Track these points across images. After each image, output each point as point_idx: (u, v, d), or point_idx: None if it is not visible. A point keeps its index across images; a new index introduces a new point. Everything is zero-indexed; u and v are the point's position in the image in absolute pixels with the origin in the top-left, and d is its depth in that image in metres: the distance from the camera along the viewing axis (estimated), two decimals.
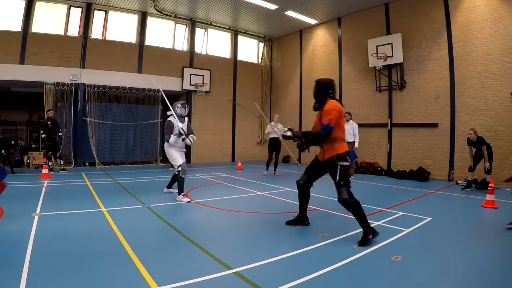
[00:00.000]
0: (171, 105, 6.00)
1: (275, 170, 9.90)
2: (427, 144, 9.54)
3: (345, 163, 3.77)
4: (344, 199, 3.72)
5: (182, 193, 5.82)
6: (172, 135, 5.69)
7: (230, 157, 14.28)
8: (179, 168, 5.76)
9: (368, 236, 3.66)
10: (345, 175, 3.77)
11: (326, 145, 3.87)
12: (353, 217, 4.30)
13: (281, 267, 3.02)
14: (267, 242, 3.79)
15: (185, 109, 5.96)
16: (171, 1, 11.14)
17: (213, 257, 3.19)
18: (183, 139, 5.77)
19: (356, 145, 8.73)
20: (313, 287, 2.61)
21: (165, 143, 5.86)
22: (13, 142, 8.93)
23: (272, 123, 9.63)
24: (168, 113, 5.92)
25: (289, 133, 4.22)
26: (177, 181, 5.83)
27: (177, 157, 5.83)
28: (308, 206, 4.50)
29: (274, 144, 9.59)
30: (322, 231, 4.08)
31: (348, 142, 8.85)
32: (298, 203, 4.45)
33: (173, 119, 5.81)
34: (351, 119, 9.04)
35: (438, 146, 9.26)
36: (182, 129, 5.71)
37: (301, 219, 4.41)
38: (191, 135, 5.90)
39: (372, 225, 4.31)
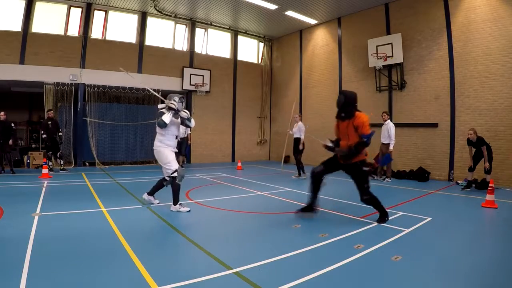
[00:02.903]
0: (165, 99, 5.22)
1: (299, 172, 9.21)
2: (427, 144, 9.53)
3: (367, 168, 4.43)
4: (366, 199, 4.42)
5: (179, 203, 5.09)
6: (165, 114, 4.89)
7: (230, 157, 14.28)
8: (175, 174, 4.98)
9: (385, 218, 4.51)
10: (367, 179, 4.44)
11: None
12: (353, 217, 4.38)
13: (281, 267, 3.02)
14: (267, 242, 3.79)
15: (182, 104, 5.21)
16: (171, 1, 11.14)
17: (213, 257, 3.19)
18: (178, 114, 5.03)
19: (391, 147, 8.56)
20: (313, 287, 2.61)
21: (155, 142, 5.13)
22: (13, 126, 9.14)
23: (295, 123, 9.33)
24: (160, 106, 5.16)
25: (331, 144, 4.61)
26: (173, 189, 5.04)
27: (171, 159, 5.05)
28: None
29: (295, 144, 9.18)
30: (322, 231, 4.08)
31: (383, 144, 8.77)
32: (298, 202, 4.53)
33: (165, 111, 5.03)
34: (389, 119, 8.87)
35: (438, 146, 9.26)
36: (173, 103, 4.93)
37: (310, 207, 4.73)
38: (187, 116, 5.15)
39: (372, 225, 4.40)
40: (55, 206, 5.15)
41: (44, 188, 6.77)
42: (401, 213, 5.09)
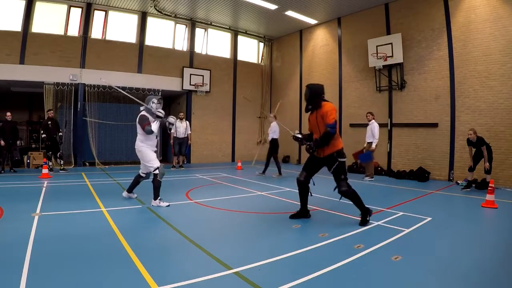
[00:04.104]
0: (143, 101, 5.55)
1: (279, 172, 9.46)
2: (427, 144, 9.53)
3: (344, 159, 4.31)
4: (344, 191, 4.31)
5: (159, 198, 5.40)
6: (152, 123, 5.25)
7: (230, 157, 14.28)
8: (156, 171, 5.31)
9: (366, 217, 4.35)
10: (344, 170, 4.31)
11: None
12: (353, 217, 4.37)
13: (281, 267, 3.02)
14: (267, 242, 3.79)
15: (161, 105, 5.49)
16: (171, 1, 11.14)
17: (213, 257, 3.19)
18: (167, 123, 5.38)
19: (373, 146, 8.77)
20: (313, 287, 2.62)
21: (137, 142, 5.43)
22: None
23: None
24: (141, 108, 5.49)
25: (299, 135, 4.54)
26: (154, 185, 5.35)
27: (153, 158, 5.40)
28: (308, 205, 4.69)
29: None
30: (322, 231, 4.08)
31: (369, 143, 8.97)
32: (298, 202, 4.56)
33: (146, 113, 5.39)
34: (374, 119, 9.06)
35: (438, 146, 9.26)
36: (159, 111, 5.31)
37: (303, 213, 4.71)
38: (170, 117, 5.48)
39: (372, 225, 4.39)
40: (55, 206, 5.15)
41: (44, 188, 6.77)
42: (401, 213, 5.09)
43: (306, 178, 4.56)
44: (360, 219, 4.43)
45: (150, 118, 5.36)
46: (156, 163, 5.38)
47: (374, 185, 8.26)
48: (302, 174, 4.58)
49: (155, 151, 5.57)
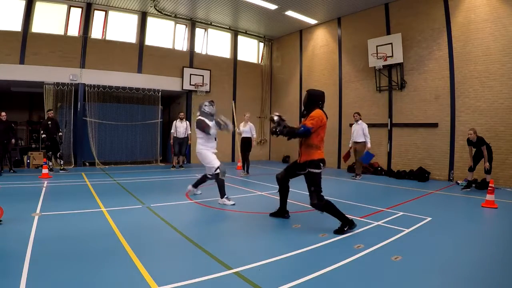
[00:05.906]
0: (199, 111, 5.96)
1: (247, 170, 10.00)
2: (427, 144, 9.53)
3: (316, 170, 4.03)
4: (314, 203, 4.05)
5: (226, 196, 5.61)
6: (211, 127, 5.63)
7: (230, 157, 14.28)
8: (217, 171, 5.56)
9: (344, 227, 4.00)
10: (316, 181, 4.03)
11: (303, 149, 4.13)
12: (353, 217, 4.37)
13: (281, 267, 3.02)
14: (267, 242, 3.79)
15: (213, 107, 5.91)
16: (171, 1, 11.13)
17: (213, 257, 3.19)
18: (222, 127, 5.75)
19: (369, 144, 9.00)
20: (313, 287, 2.62)
21: (198, 146, 5.75)
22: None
23: (243, 122, 9.97)
24: (198, 114, 5.91)
25: (276, 118, 4.22)
26: (218, 184, 5.63)
27: (213, 159, 5.69)
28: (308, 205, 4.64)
29: (244, 143, 9.84)
30: (322, 231, 4.08)
31: (357, 142, 9.17)
32: (297, 203, 4.55)
33: (204, 118, 5.74)
34: (361, 119, 9.25)
35: (438, 146, 9.26)
36: (221, 120, 5.75)
37: (281, 212, 4.72)
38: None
39: (372, 225, 4.38)
40: (55, 206, 5.15)
41: (44, 188, 6.77)
42: (401, 213, 5.09)
43: (283, 177, 4.52)
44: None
45: (208, 122, 5.70)
46: (216, 163, 5.62)
47: (374, 185, 8.26)
48: (282, 173, 4.57)
49: (215, 153, 5.90)
